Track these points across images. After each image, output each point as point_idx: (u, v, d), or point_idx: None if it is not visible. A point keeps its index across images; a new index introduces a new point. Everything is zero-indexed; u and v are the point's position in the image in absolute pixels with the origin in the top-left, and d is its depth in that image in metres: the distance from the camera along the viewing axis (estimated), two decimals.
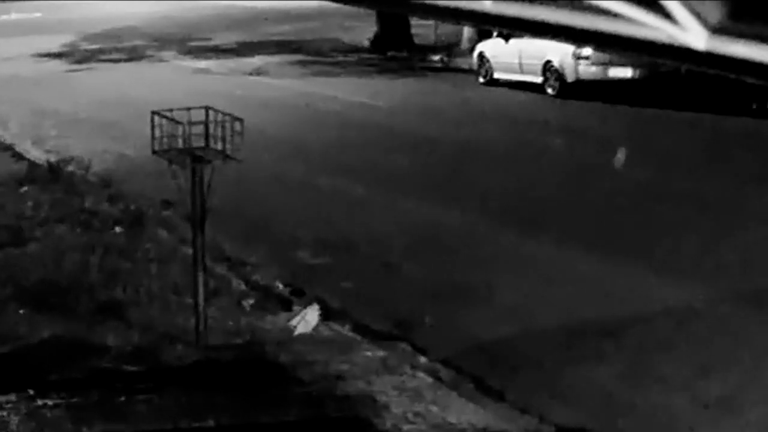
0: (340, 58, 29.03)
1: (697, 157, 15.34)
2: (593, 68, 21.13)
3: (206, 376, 7.64)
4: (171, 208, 11.89)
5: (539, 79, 21.97)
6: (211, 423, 6.97)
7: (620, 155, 14.34)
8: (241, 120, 7.79)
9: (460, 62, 26.71)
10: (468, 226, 11.86)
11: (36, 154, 16.00)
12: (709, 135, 17.18)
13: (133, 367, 7.76)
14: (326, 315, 8.90)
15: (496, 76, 23.43)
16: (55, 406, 7.14)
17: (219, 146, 7.86)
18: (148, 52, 30.71)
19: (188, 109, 7.79)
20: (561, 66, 21.44)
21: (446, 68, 27.15)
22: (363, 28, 31.97)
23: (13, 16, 39.53)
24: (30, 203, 12.20)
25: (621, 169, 14.33)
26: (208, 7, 40.23)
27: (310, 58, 28.98)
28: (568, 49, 20.81)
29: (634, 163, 14.88)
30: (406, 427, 6.92)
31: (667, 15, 1.83)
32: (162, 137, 7.85)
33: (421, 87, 23.87)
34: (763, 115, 17.98)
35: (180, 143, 7.81)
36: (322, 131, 18.16)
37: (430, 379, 7.67)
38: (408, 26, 29.98)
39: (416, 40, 30.13)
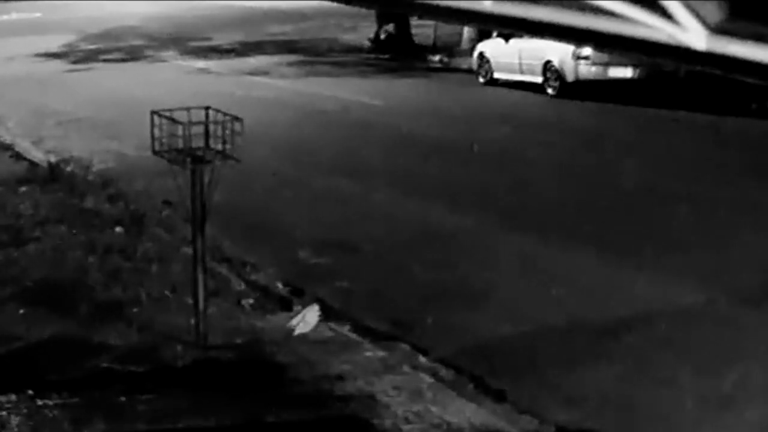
0: (340, 58, 29.03)
1: (696, 157, 15.34)
2: (593, 68, 21.15)
3: (206, 376, 7.64)
4: (171, 208, 11.89)
5: (539, 79, 21.99)
6: (211, 423, 6.97)
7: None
8: (241, 120, 7.79)
9: (460, 62, 26.71)
10: (468, 226, 11.86)
11: (36, 154, 15.99)
12: (708, 135, 17.18)
13: (133, 367, 7.76)
14: (326, 315, 8.89)
15: (496, 76, 23.44)
16: (55, 406, 7.14)
17: (219, 146, 7.86)
18: (148, 52, 30.72)
19: (188, 109, 7.79)
20: (561, 66, 21.45)
21: (446, 68, 27.16)
22: (363, 28, 31.97)
23: (14, 16, 39.55)
24: (30, 203, 12.19)
25: (621, 170, 14.35)
26: (208, 7, 40.25)
27: (309, 58, 28.99)
28: (568, 49, 20.84)
29: (634, 163, 14.89)
30: (406, 427, 6.91)
31: (667, 15, 1.83)
32: (162, 137, 7.85)
33: (421, 87, 23.88)
34: (763, 115, 17.98)
35: (180, 143, 7.80)
36: (321, 131, 18.17)
37: (430, 379, 7.67)
38: (408, 26, 29.99)
39: (416, 40, 30.15)
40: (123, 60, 29.32)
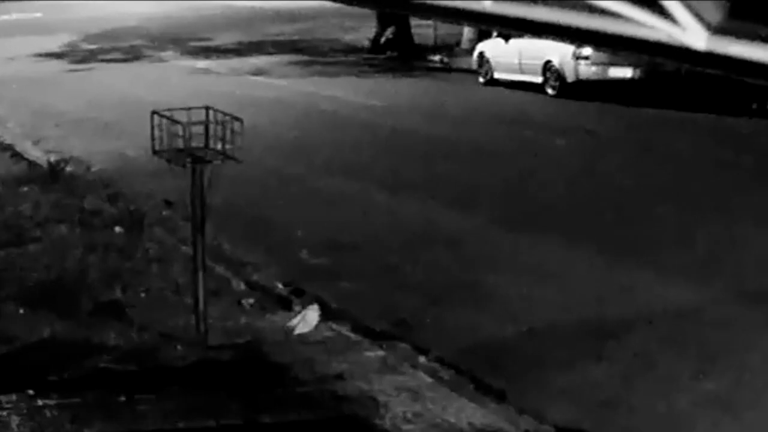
0: (340, 58, 29.03)
1: (696, 156, 15.33)
2: (593, 68, 21.14)
3: (206, 376, 7.64)
4: (171, 208, 11.88)
5: (539, 79, 21.98)
6: (211, 423, 6.97)
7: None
8: (241, 120, 7.79)
9: (460, 62, 26.71)
10: (468, 226, 11.85)
11: (36, 154, 15.99)
12: (708, 135, 17.18)
13: (133, 367, 7.76)
14: (326, 315, 8.89)
15: (496, 76, 23.44)
16: (55, 406, 7.14)
17: (219, 146, 7.85)
18: (148, 52, 30.72)
19: (188, 108, 7.78)
20: (561, 66, 21.45)
21: (446, 68, 27.15)
22: (363, 28, 31.97)
23: (13, 16, 39.54)
24: (30, 203, 12.19)
25: (621, 170, 14.35)
26: (208, 7, 40.25)
27: (310, 58, 28.99)
28: (568, 49, 20.84)
29: (635, 162, 14.89)
30: (405, 427, 6.91)
31: (667, 15, 1.83)
32: (162, 137, 7.84)
33: (421, 87, 23.87)
34: (763, 115, 17.98)
35: (180, 143, 7.80)
36: (322, 131, 18.16)
37: (429, 379, 7.66)
38: (408, 26, 29.99)
39: (416, 40, 30.15)
40: (123, 60, 29.32)
